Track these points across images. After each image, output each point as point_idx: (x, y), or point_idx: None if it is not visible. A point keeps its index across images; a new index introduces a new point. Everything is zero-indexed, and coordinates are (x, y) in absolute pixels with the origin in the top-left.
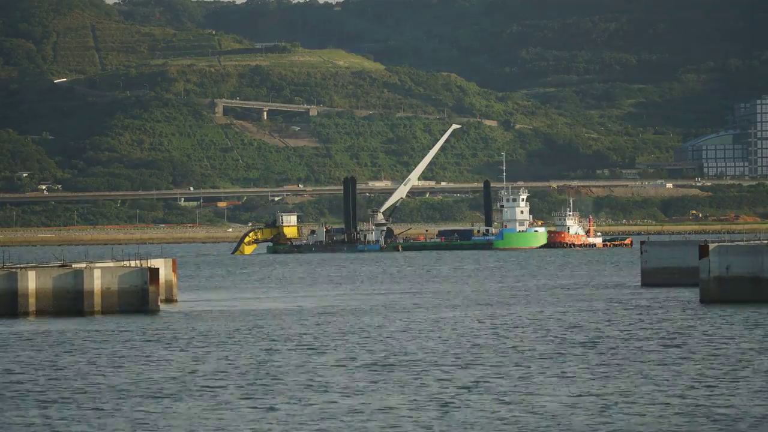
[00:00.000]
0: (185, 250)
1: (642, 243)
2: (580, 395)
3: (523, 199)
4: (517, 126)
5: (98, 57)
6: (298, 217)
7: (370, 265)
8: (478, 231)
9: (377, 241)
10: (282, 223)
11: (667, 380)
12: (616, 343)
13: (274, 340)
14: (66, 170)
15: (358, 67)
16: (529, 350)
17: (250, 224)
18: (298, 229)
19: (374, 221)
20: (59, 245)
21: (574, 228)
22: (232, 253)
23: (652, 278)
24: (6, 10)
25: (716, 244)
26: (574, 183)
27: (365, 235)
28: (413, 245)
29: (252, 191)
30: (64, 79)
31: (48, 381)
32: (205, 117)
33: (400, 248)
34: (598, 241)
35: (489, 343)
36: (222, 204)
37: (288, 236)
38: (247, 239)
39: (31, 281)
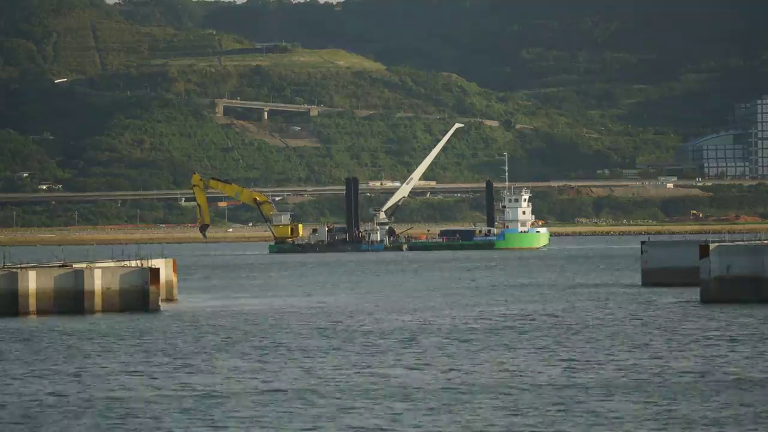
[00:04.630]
0: (187, 250)
1: (642, 243)
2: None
3: (525, 200)
4: (518, 126)
5: (99, 57)
6: (294, 216)
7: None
8: (480, 231)
9: (381, 240)
10: (274, 222)
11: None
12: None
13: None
14: (66, 170)
15: (358, 67)
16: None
17: (250, 224)
18: (292, 229)
19: (376, 220)
20: (60, 245)
21: None
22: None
23: (652, 278)
24: (6, 10)
25: (717, 244)
26: (575, 183)
27: (369, 235)
28: (416, 245)
29: (252, 191)
30: (65, 79)
31: None
32: (206, 117)
33: (404, 248)
34: None
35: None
36: (222, 204)
37: (278, 235)
38: (254, 193)
39: (32, 281)
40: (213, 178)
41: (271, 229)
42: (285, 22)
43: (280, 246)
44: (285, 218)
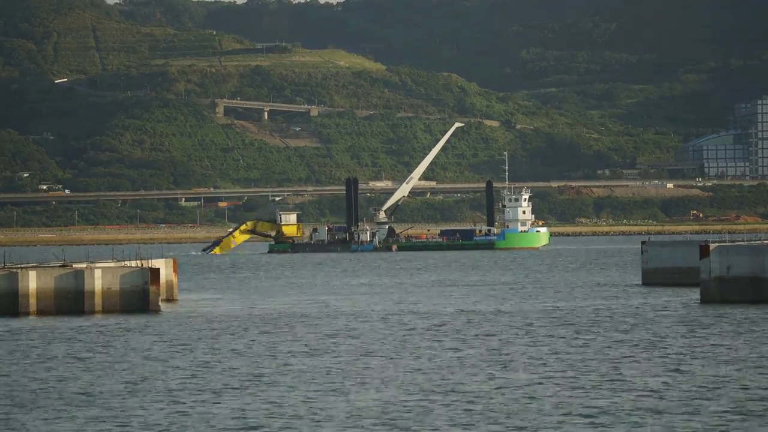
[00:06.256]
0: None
1: (642, 243)
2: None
3: (525, 199)
4: (518, 126)
5: (99, 57)
6: (297, 216)
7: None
8: (480, 231)
9: (371, 240)
10: (281, 221)
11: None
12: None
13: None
14: (67, 170)
15: (358, 67)
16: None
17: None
18: (297, 228)
19: (376, 220)
20: (60, 245)
21: None
22: (203, 250)
23: (652, 278)
24: (6, 10)
25: (717, 244)
26: (575, 183)
27: (359, 235)
28: (414, 245)
29: (253, 191)
30: (65, 79)
31: None
32: (206, 117)
33: (394, 248)
34: None
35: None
36: (223, 204)
37: (287, 235)
38: (243, 227)
39: (32, 281)
40: (260, 220)
41: (280, 230)
42: (285, 22)
43: (279, 246)
44: (292, 218)
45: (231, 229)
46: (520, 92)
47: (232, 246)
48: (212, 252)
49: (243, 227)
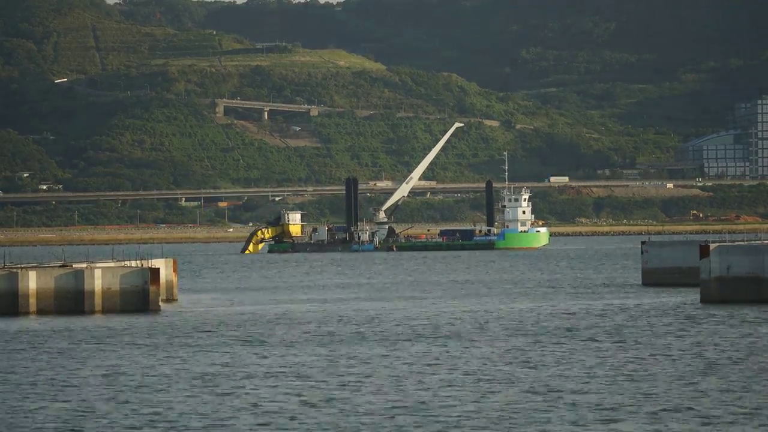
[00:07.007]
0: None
1: (642, 243)
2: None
3: (525, 199)
4: (518, 126)
5: (99, 57)
6: (302, 216)
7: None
8: (480, 231)
9: (371, 240)
10: (287, 221)
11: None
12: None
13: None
14: (67, 170)
15: (358, 67)
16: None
17: (250, 224)
18: (302, 228)
19: (376, 220)
20: (60, 245)
21: None
22: (241, 252)
23: (652, 278)
24: (6, 10)
25: (717, 244)
26: (575, 183)
27: (359, 235)
28: (414, 245)
29: (253, 191)
30: (65, 79)
31: None
32: (206, 117)
33: (394, 248)
34: None
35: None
36: (223, 204)
37: (293, 234)
38: (254, 239)
39: (32, 281)
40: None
41: (285, 230)
42: (285, 22)
43: (279, 246)
44: (297, 217)
45: (245, 242)
46: (520, 92)
47: (260, 246)
48: (246, 252)
49: (255, 239)
